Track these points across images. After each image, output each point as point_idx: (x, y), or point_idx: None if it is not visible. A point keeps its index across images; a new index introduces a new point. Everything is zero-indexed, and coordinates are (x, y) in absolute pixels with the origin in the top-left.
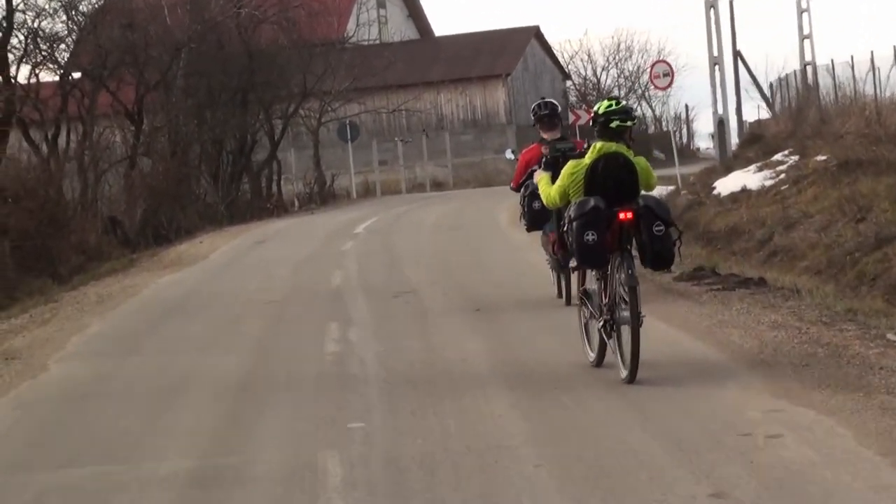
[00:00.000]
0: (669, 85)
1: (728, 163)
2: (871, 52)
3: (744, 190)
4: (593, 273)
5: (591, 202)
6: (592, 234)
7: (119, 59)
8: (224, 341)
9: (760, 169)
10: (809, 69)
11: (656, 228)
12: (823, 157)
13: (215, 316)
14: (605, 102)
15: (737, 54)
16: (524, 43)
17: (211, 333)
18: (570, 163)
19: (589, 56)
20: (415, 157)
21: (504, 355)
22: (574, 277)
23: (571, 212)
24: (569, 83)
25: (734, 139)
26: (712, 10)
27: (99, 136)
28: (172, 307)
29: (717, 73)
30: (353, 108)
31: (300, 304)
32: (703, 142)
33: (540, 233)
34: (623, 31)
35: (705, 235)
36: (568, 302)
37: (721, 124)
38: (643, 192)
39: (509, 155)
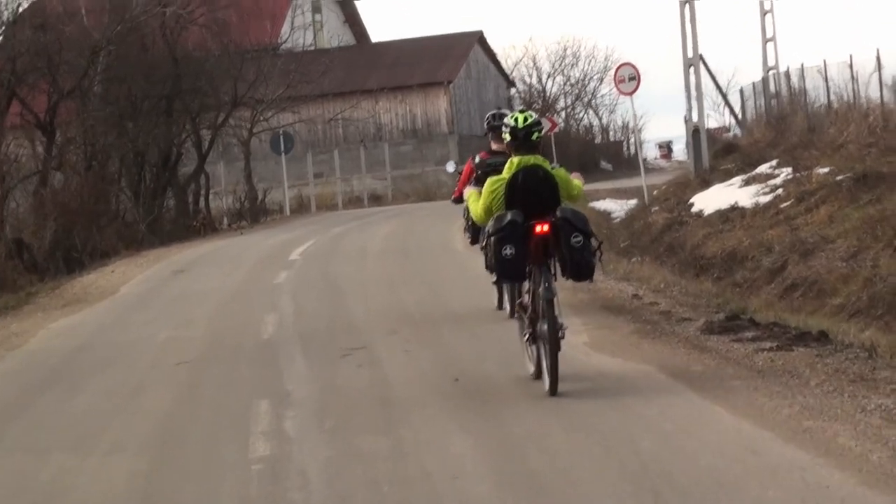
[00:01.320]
0: (636, 89)
1: (704, 175)
2: (878, 51)
3: (735, 208)
4: (525, 287)
5: (508, 216)
6: (510, 249)
7: (30, 64)
8: (114, 429)
9: (747, 183)
10: (773, 74)
11: (574, 240)
12: (825, 170)
13: (109, 384)
14: (520, 115)
15: (699, 58)
16: (467, 49)
17: (99, 415)
18: (489, 179)
19: (534, 63)
20: (352, 170)
21: (511, 467)
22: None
23: (489, 227)
24: (513, 91)
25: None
26: (687, 6)
27: (6, 148)
28: (58, 369)
29: (692, 77)
30: (287, 117)
31: (221, 365)
32: (651, 151)
33: None
34: (569, 37)
35: (697, 262)
36: (512, 314)
37: (696, 133)
38: (561, 205)
39: (451, 168)
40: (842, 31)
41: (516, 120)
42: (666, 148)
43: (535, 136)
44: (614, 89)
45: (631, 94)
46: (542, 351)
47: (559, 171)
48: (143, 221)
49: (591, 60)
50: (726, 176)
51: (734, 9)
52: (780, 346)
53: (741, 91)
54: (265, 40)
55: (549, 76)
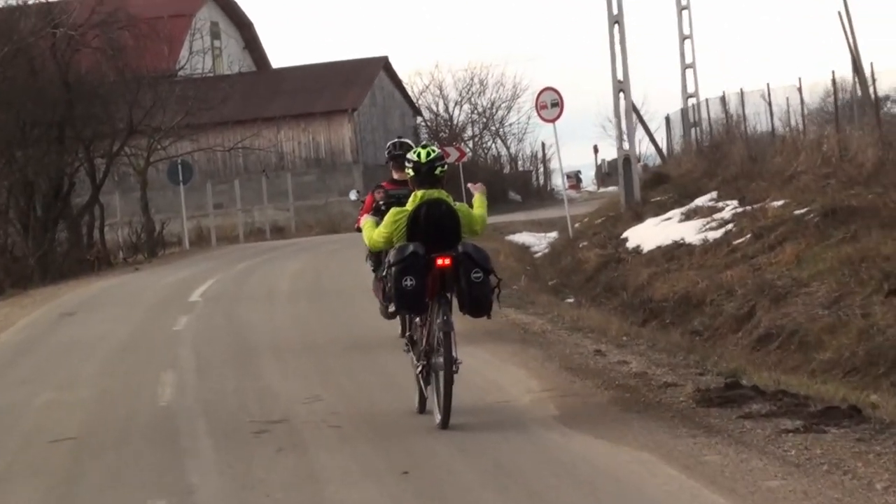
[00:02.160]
0: (559, 116)
1: (636, 208)
2: (833, 72)
3: (680, 244)
4: (417, 320)
5: (411, 248)
6: (411, 280)
7: None
8: None
9: (688, 217)
10: (706, 100)
11: (474, 275)
12: (779, 203)
13: None
14: (423, 150)
15: (628, 82)
16: (372, 75)
17: None
18: (393, 210)
19: (441, 91)
20: (253, 200)
21: None
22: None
23: (391, 257)
24: (419, 119)
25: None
26: (616, 26)
27: None
28: None
29: (622, 101)
30: (186, 146)
31: (108, 445)
32: (560, 182)
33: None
34: (477, 64)
35: (643, 305)
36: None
37: (627, 161)
38: (463, 240)
39: (353, 196)
40: (753, 62)
41: (419, 155)
42: (575, 178)
43: (438, 170)
44: (523, 118)
45: (554, 120)
46: (436, 384)
47: (462, 207)
48: (32, 255)
49: (499, 88)
50: (660, 209)
51: (644, 36)
52: (806, 426)
53: (667, 118)
54: (162, 65)
55: (456, 104)
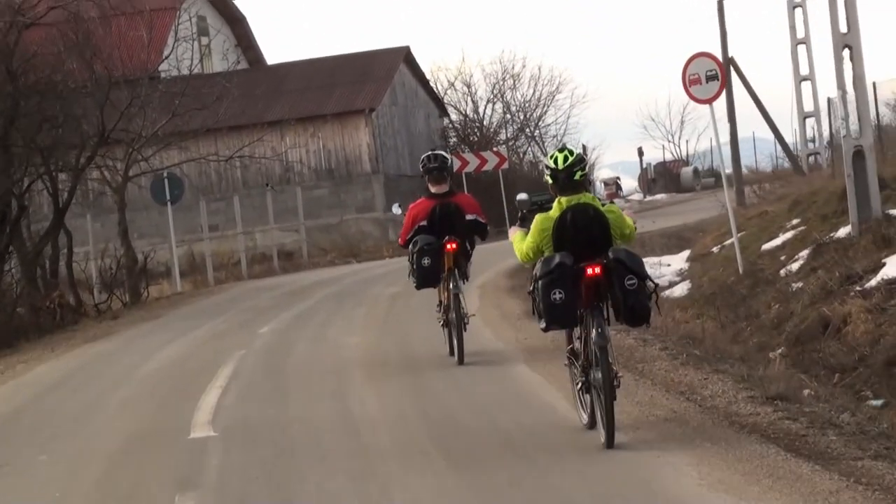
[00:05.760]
0: (718, 94)
1: (878, 228)
2: None
3: None
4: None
5: (557, 259)
6: (560, 293)
7: None
8: None
9: None
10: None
11: (628, 282)
12: None
13: None
14: (560, 155)
15: (729, 62)
16: (391, 69)
17: None
18: (539, 217)
19: (469, 87)
20: (254, 220)
21: None
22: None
23: (537, 270)
24: (447, 121)
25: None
26: None
27: None
28: None
29: (847, 65)
30: (173, 156)
31: None
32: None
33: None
34: (508, 53)
35: None
36: (460, 361)
37: (859, 157)
38: (614, 246)
39: (397, 210)
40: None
41: (556, 160)
42: (614, 185)
43: (577, 175)
44: (561, 117)
45: (710, 101)
46: (596, 400)
47: (612, 209)
48: None
49: (534, 83)
50: None
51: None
52: None
53: (829, 101)
54: (142, 58)
55: (487, 102)
